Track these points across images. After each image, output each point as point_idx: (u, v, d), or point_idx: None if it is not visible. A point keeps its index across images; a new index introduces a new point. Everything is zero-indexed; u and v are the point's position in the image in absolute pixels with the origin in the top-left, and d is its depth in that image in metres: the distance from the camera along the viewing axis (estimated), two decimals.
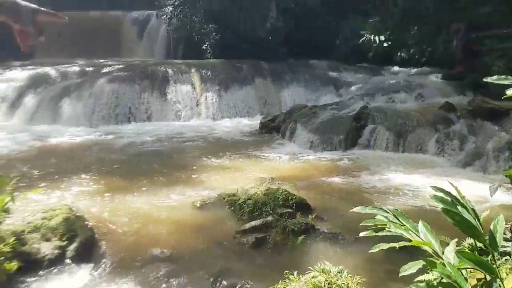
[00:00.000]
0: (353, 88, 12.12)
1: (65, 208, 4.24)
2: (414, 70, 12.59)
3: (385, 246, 1.80)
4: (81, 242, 3.90)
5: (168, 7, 16.61)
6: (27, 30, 1.15)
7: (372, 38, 13.25)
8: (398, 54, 13.14)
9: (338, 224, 4.44)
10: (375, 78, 12.73)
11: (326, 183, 5.99)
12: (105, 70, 12.47)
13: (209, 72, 12.45)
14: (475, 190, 5.25)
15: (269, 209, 4.47)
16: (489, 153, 6.59)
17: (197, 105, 11.52)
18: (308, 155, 7.55)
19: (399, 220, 1.98)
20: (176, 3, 16.26)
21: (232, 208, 4.74)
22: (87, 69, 12.68)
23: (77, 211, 4.32)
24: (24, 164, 6.79)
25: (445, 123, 7.65)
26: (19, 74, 12.23)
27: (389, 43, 13.21)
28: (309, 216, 4.53)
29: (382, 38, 13.14)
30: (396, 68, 13.17)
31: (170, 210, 4.86)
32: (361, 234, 1.99)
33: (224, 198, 4.93)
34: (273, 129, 9.62)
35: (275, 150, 7.94)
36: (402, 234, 1.88)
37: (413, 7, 13.27)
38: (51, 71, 12.24)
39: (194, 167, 6.73)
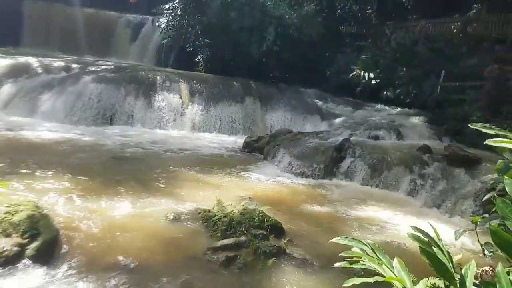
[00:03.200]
0: (337, 120, 12.34)
1: (30, 204, 4.06)
2: (397, 110, 12.94)
3: (358, 280, 1.80)
4: (44, 241, 3.73)
5: (165, 17, 16.68)
6: None
7: (361, 74, 13.62)
8: (385, 92, 13.51)
9: (309, 250, 4.42)
10: (359, 112, 13.01)
11: (301, 208, 5.99)
12: (92, 68, 12.30)
13: (199, 84, 12.46)
14: (441, 232, 5.45)
15: (243, 229, 4.42)
16: (457, 198, 6.80)
17: (182, 116, 11.44)
18: (287, 179, 7.57)
19: (376, 254, 1.98)
20: (173, 14, 16.34)
21: (206, 223, 4.66)
22: (73, 65, 12.47)
23: (43, 209, 4.15)
24: None
25: (420, 164, 7.84)
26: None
27: (377, 80, 13.59)
28: (282, 239, 4.51)
29: (372, 75, 13.52)
30: (380, 106, 13.51)
31: (142, 220, 4.73)
32: (336, 265, 1.97)
33: (199, 213, 4.85)
34: (256, 149, 9.64)
35: (256, 170, 7.92)
36: (375, 268, 1.88)
37: (405, 50, 13.78)
38: (34, 62, 11.94)
39: (172, 179, 6.62)
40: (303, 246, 4.54)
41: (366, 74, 13.73)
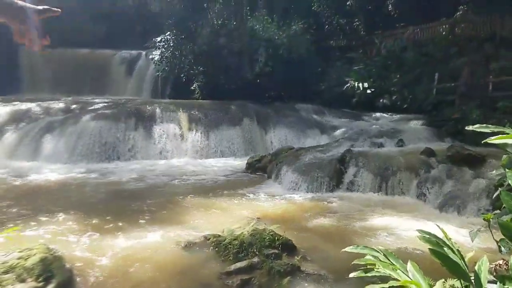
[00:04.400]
0: (337, 132, 12.42)
1: (42, 247, 4.05)
2: (395, 116, 13.02)
3: (375, 287, 1.80)
4: (58, 283, 3.71)
5: (158, 49, 17.05)
6: (28, 30, 1.23)
7: (356, 84, 13.80)
8: (381, 100, 13.64)
9: (323, 265, 4.39)
10: (358, 123, 13.09)
11: (311, 224, 5.97)
12: (91, 107, 12.47)
13: (197, 112, 12.62)
14: (453, 233, 5.35)
15: (255, 250, 4.39)
16: (467, 198, 6.75)
17: (183, 145, 11.53)
18: (293, 196, 7.56)
19: (389, 260, 1.99)
20: (166, 46, 16.72)
21: (217, 249, 4.64)
22: (72, 106, 12.65)
23: (55, 251, 4.14)
24: (0, 201, 6.57)
25: (425, 167, 7.83)
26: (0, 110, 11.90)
27: (372, 90, 13.75)
28: (295, 257, 4.47)
29: (366, 85, 13.70)
30: (378, 114, 13.60)
31: (153, 251, 4.72)
32: (351, 275, 1.97)
33: (209, 239, 4.83)
34: (259, 169, 9.67)
35: (261, 190, 7.93)
36: (390, 274, 1.89)
37: (396, 57, 14.00)
38: (34, 107, 12.11)
39: (179, 207, 6.63)
40: (317, 261, 4.50)
41: (360, 85, 13.91)
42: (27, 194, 7.32)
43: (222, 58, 15.34)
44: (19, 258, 3.79)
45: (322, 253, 4.77)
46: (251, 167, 9.84)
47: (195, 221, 5.85)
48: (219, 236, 4.83)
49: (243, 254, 4.39)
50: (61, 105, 12.60)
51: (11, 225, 5.39)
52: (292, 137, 12.61)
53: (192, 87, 16.22)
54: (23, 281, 3.61)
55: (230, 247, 4.52)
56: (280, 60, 15.29)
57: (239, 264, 4.19)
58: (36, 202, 6.70)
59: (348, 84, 14.25)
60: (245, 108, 13.54)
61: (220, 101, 13.84)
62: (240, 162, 10.63)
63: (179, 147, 11.43)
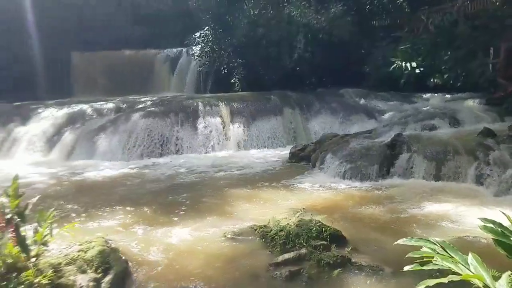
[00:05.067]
0: (385, 116, 11.94)
1: (100, 240, 4.27)
2: (448, 96, 12.27)
3: (432, 282, 1.65)
4: (116, 274, 3.90)
5: (197, 45, 17.32)
6: None
7: (403, 65, 13.12)
8: (431, 80, 12.90)
9: (376, 256, 4.22)
10: (408, 105, 12.49)
11: (360, 213, 5.78)
12: (139, 106, 12.94)
13: (238, 104, 12.69)
14: None
15: (302, 241, 4.32)
16: None
17: (226, 137, 11.67)
18: (340, 185, 7.36)
19: (447, 252, 1.82)
20: (205, 41, 16.92)
21: (264, 239, 4.63)
22: (122, 105, 13.20)
23: (111, 243, 4.36)
24: (62, 198, 7.01)
25: (484, 150, 7.27)
26: (56, 112, 12.70)
27: (422, 69, 13.02)
28: (345, 248, 4.35)
29: (414, 64, 12.99)
30: (429, 95, 12.89)
31: (202, 242, 4.81)
32: (406, 268, 1.83)
33: (255, 230, 4.83)
34: (303, 159, 9.53)
35: (306, 180, 7.81)
36: (450, 267, 1.73)
37: (446, 33, 13.13)
38: (87, 108, 12.80)
39: (224, 198, 6.70)
40: (369, 253, 4.34)
41: (408, 65, 13.22)
42: (84, 190, 7.74)
43: (261, 49, 15.25)
44: (79, 251, 4.01)
45: (373, 244, 4.59)
46: (295, 156, 9.72)
47: (241, 212, 5.88)
48: (265, 227, 4.81)
49: (290, 245, 4.34)
50: (111, 105, 13.17)
51: (72, 218, 5.74)
52: (336, 124, 12.31)
53: (232, 80, 16.31)
54: (83, 272, 3.82)
55: (277, 238, 4.49)
56: (320, 45, 14.90)
57: (286, 255, 4.14)
58: (92, 197, 7.06)
59: (395, 65, 13.59)
60: (286, 97, 13.40)
61: (260, 92, 13.80)
62: (283, 152, 10.55)
63: (222, 140, 11.59)
